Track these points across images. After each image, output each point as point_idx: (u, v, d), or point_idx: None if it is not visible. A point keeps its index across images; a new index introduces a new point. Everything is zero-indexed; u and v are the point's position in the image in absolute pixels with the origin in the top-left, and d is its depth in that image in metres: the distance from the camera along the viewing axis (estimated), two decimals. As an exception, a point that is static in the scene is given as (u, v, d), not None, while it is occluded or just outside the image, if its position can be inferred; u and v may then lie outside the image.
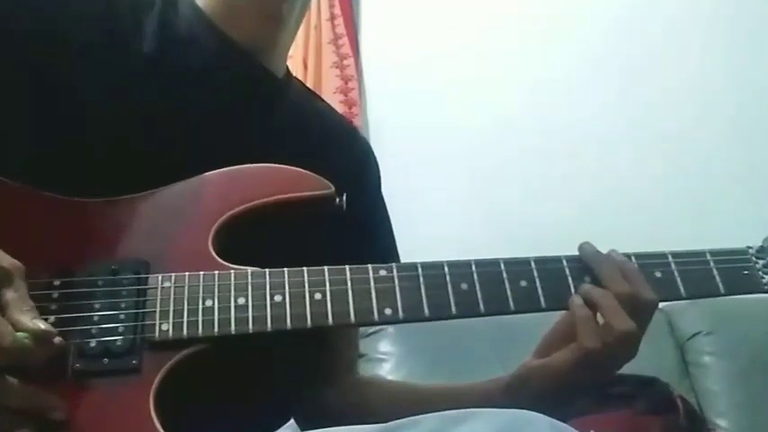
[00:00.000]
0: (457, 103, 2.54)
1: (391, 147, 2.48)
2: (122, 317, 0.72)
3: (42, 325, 0.65)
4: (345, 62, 2.56)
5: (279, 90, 0.95)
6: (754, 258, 0.86)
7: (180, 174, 0.81)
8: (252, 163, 0.83)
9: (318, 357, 0.98)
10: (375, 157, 1.07)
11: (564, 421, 0.69)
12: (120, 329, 0.72)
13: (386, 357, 2.12)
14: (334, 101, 2.44)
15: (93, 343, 0.71)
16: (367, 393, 1.02)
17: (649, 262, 0.84)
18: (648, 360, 2.03)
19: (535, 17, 2.61)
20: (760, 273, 0.86)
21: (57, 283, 0.73)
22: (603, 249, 0.84)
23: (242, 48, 0.90)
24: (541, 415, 0.67)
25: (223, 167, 0.82)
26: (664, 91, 2.52)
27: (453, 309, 0.78)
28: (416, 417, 0.68)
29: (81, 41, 0.83)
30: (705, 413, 2.05)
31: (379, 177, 1.06)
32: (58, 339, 0.67)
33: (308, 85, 2.40)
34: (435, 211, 2.44)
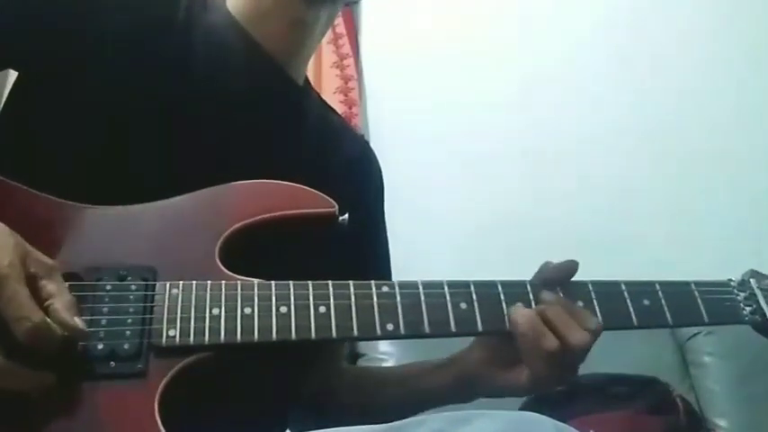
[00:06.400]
0: (457, 103, 2.53)
1: (391, 147, 2.48)
2: (129, 321, 0.73)
3: (80, 324, 0.68)
4: (345, 62, 2.56)
5: (299, 97, 0.97)
6: (735, 291, 0.89)
7: (200, 172, 0.83)
8: (271, 167, 0.85)
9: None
10: (380, 171, 1.08)
11: (564, 421, 0.71)
12: (128, 333, 0.72)
13: (386, 357, 2.12)
14: (334, 101, 2.43)
15: (100, 346, 0.71)
16: (343, 380, 1.05)
17: (638, 290, 0.86)
18: (648, 360, 2.05)
19: (537, 17, 2.61)
20: (741, 305, 0.89)
21: (65, 286, 0.74)
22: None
23: (267, 52, 0.92)
24: (545, 417, 0.70)
25: (240, 168, 0.84)
26: (678, 92, 2.53)
27: (453, 327, 0.80)
28: (422, 416, 0.71)
29: (109, 40, 0.85)
30: (705, 413, 2.06)
31: (383, 190, 1.07)
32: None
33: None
34: (435, 212, 2.44)
